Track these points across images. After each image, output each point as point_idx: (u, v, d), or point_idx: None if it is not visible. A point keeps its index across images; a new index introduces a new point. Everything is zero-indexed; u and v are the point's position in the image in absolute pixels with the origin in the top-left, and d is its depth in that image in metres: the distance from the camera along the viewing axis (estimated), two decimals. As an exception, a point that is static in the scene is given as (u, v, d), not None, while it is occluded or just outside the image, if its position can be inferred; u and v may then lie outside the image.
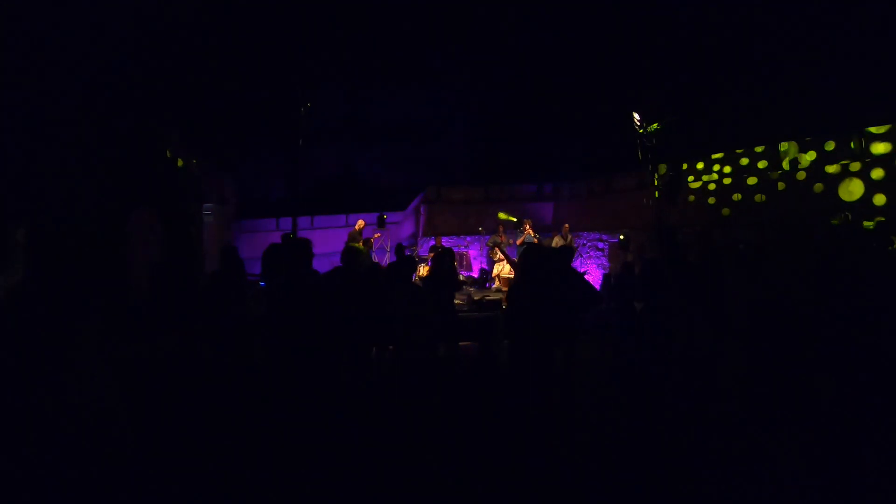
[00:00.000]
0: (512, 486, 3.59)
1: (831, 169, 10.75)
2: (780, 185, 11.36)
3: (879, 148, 10.09)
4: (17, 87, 8.86)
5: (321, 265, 5.08)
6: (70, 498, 3.48)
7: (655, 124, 10.89)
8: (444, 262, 5.90)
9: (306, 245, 4.29)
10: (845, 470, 3.32)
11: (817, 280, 3.87)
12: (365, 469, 3.76)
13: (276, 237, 16.17)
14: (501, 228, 13.11)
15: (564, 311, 4.68)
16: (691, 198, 12.91)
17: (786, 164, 11.38)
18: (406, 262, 5.66)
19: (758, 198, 11.63)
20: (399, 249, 8.46)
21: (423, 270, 13.40)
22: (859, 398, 3.35)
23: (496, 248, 12.62)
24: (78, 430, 4.57)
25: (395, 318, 4.98)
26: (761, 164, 11.96)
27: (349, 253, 5.60)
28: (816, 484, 3.40)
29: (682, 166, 12.39)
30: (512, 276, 12.43)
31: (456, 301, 6.97)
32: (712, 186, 12.75)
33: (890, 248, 5.28)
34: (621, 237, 9.94)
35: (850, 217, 9.35)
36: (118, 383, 5.48)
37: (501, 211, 13.69)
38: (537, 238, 12.71)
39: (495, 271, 12.45)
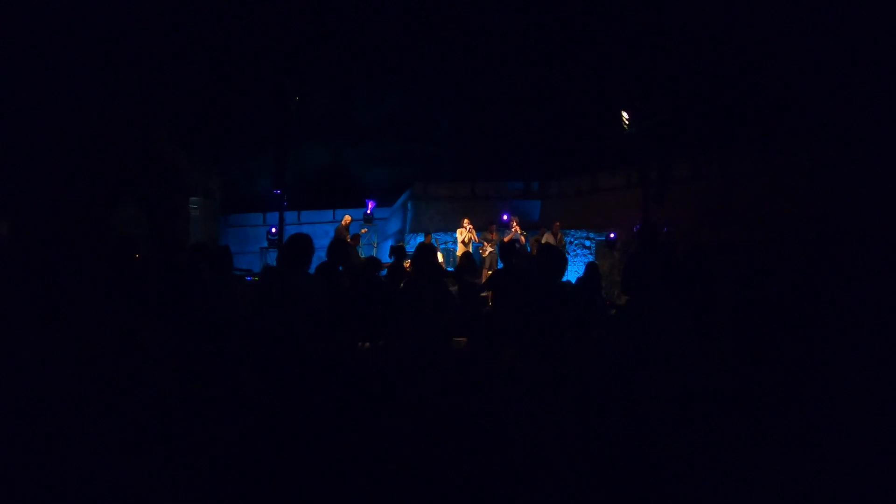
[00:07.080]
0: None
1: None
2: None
3: None
4: (1, 82, 8.71)
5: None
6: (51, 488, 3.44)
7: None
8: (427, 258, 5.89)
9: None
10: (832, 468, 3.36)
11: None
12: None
13: (262, 232, 16.04)
14: (493, 226, 13.12)
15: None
16: (677, 197, 12.98)
17: None
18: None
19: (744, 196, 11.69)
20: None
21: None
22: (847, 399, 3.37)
23: (486, 245, 12.65)
24: (58, 423, 4.52)
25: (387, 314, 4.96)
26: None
27: (338, 247, 5.56)
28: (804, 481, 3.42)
29: (669, 165, 12.44)
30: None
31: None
32: (700, 185, 12.82)
33: None
34: (611, 235, 9.98)
35: None
36: (99, 378, 5.41)
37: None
38: (524, 236, 12.76)
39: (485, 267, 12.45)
